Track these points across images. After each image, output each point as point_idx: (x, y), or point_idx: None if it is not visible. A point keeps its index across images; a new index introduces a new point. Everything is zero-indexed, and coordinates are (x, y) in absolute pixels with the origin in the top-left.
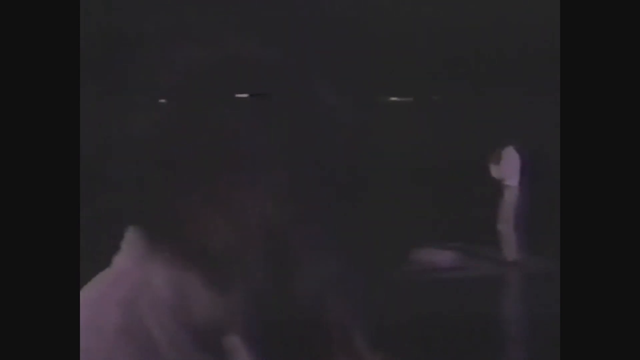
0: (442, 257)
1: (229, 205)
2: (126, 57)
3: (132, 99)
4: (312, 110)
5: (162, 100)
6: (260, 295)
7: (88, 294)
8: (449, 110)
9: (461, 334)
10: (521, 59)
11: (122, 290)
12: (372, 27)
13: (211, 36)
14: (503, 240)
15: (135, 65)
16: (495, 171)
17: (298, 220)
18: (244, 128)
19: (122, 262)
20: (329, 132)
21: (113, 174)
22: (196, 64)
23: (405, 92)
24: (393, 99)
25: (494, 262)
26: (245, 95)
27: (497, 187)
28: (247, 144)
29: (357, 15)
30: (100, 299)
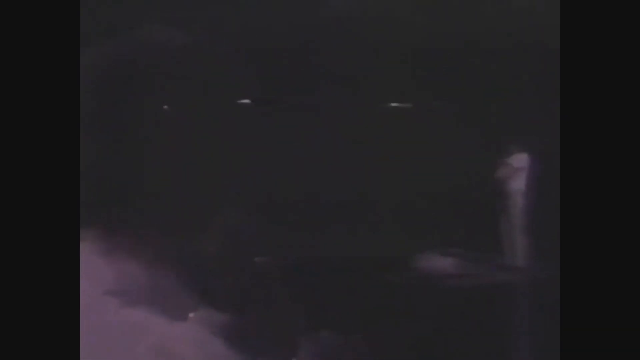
0: (444, 263)
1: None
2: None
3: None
4: (315, 114)
5: (165, 107)
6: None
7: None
8: (449, 116)
9: (463, 339)
10: (523, 62)
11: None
12: (370, 29)
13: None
14: (508, 246)
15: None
16: (501, 177)
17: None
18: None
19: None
20: (330, 137)
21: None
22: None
23: (404, 98)
24: (393, 104)
25: (498, 268)
26: (247, 101)
27: (502, 192)
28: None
29: (355, 17)
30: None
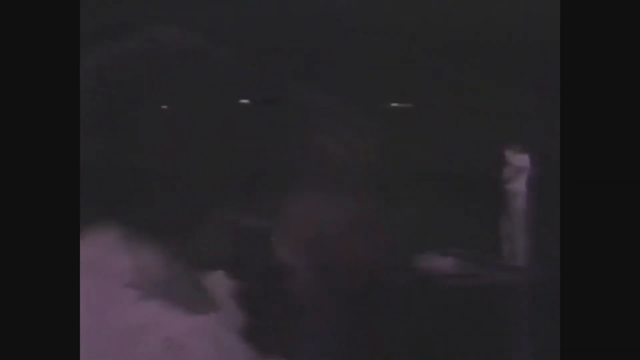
0: (444, 263)
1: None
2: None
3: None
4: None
5: (164, 107)
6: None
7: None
8: (450, 116)
9: (463, 339)
10: (523, 60)
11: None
12: (369, 27)
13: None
14: (508, 246)
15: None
16: (502, 177)
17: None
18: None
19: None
20: (331, 137)
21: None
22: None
23: (405, 98)
24: (394, 104)
25: (498, 268)
26: (246, 101)
27: (503, 191)
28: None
29: (355, 17)
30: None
